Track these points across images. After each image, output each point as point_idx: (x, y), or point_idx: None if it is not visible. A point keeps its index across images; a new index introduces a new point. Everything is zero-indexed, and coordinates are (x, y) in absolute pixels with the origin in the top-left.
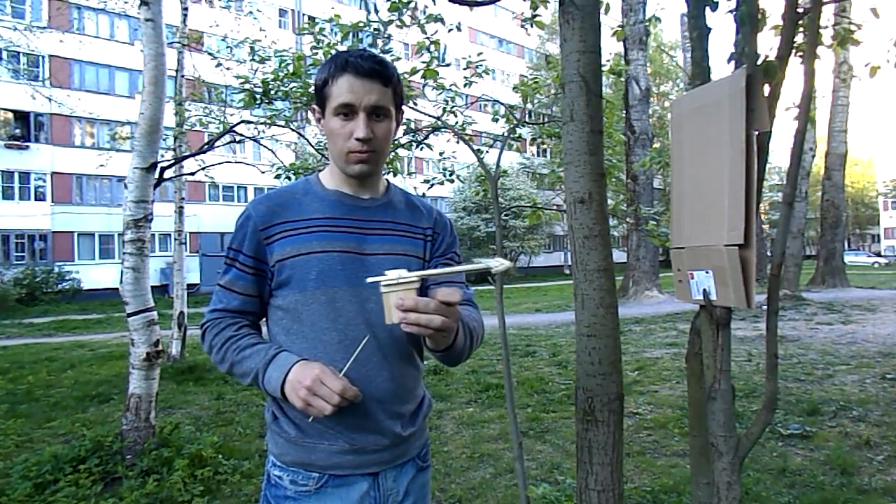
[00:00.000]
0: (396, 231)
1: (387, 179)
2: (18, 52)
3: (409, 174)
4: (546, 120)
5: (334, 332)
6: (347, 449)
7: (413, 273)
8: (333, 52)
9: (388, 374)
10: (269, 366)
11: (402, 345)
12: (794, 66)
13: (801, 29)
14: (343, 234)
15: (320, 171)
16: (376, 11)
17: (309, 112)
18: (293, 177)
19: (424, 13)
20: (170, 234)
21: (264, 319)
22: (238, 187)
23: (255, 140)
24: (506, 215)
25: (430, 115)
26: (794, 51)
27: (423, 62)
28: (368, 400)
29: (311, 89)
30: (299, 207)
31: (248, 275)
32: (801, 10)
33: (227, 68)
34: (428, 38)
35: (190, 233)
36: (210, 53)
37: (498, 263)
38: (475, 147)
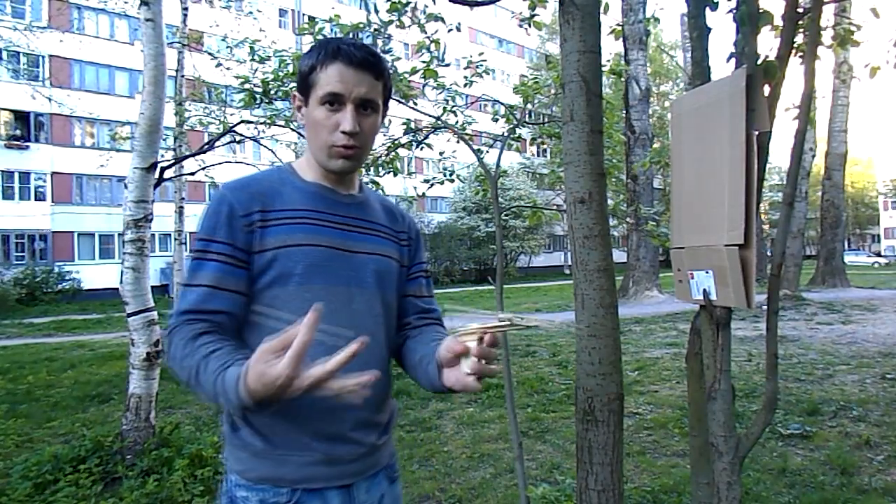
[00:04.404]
0: (377, 232)
1: (359, 177)
2: (18, 52)
3: (409, 174)
4: (546, 120)
5: (317, 333)
6: (321, 460)
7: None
8: None
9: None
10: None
11: (383, 350)
12: (794, 66)
13: (801, 29)
14: (328, 229)
15: (291, 162)
16: (376, 11)
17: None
18: None
19: (424, 13)
20: (170, 234)
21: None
22: None
23: (255, 140)
24: (506, 215)
25: (430, 115)
26: (794, 51)
27: (423, 62)
28: (347, 408)
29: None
30: (279, 196)
31: (236, 267)
32: (801, 10)
33: (227, 68)
34: (428, 37)
35: (190, 233)
36: (210, 53)
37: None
38: (475, 147)
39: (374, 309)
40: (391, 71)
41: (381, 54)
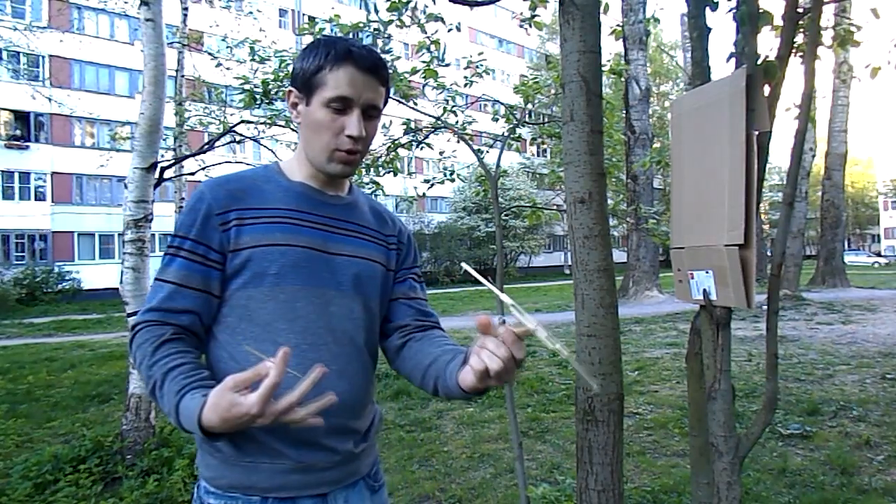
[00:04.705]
0: (362, 234)
1: (349, 179)
2: (18, 52)
3: (410, 174)
4: (546, 120)
5: (291, 335)
6: (294, 467)
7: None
8: None
9: (346, 384)
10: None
11: (363, 354)
12: (794, 66)
13: (801, 29)
14: (308, 230)
15: (279, 161)
16: (376, 11)
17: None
18: None
19: (424, 13)
20: (170, 235)
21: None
22: None
23: (255, 140)
24: (506, 215)
25: (430, 115)
26: (794, 51)
27: (423, 62)
28: (322, 414)
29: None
30: (260, 195)
31: (205, 266)
32: (801, 10)
33: (227, 68)
34: (428, 37)
35: None
36: (210, 53)
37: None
38: (475, 147)
39: (354, 312)
40: (391, 71)
41: (382, 56)
